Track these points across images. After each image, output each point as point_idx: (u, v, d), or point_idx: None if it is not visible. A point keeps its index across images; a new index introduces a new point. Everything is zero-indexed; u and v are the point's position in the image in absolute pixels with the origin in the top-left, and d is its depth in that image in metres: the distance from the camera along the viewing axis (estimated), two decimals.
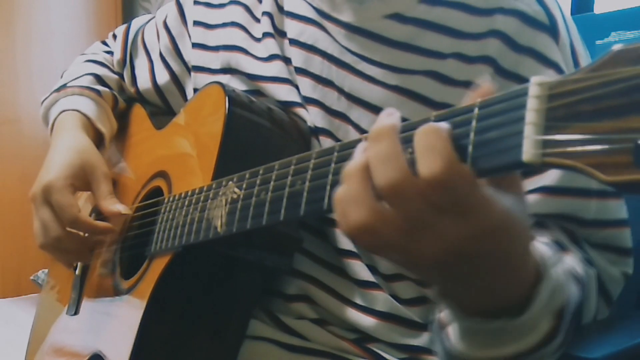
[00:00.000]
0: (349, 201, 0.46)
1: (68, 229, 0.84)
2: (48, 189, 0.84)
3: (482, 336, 0.52)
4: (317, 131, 0.78)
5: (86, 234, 0.86)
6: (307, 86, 0.79)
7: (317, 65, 0.79)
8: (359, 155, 0.46)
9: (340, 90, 0.77)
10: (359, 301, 0.76)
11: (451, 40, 0.73)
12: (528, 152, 0.38)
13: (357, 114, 0.76)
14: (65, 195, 0.84)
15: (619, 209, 0.74)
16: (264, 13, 0.85)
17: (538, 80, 0.39)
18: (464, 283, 0.48)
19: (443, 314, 0.57)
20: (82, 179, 0.87)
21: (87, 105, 0.96)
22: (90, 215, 0.91)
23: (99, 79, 1.02)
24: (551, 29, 0.72)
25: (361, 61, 0.77)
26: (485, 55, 0.72)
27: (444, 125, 0.43)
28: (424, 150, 0.42)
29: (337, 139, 0.77)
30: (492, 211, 0.44)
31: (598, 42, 1.04)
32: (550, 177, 0.70)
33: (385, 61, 0.75)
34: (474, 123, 0.42)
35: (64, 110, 0.96)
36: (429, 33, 0.74)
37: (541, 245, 0.58)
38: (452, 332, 0.55)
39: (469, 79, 0.72)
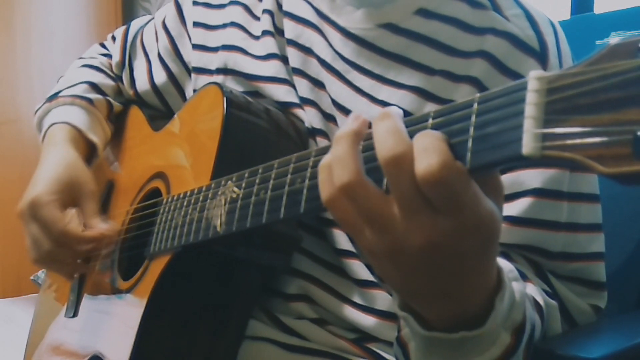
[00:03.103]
0: (334, 162, 0.45)
1: (59, 241, 0.83)
2: (34, 204, 0.83)
3: (443, 350, 0.51)
4: (314, 132, 0.78)
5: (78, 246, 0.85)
6: (304, 87, 0.79)
7: (314, 67, 0.79)
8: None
9: (329, 96, 0.78)
10: (358, 300, 0.75)
11: (441, 55, 0.74)
12: (528, 145, 0.38)
13: (341, 122, 0.77)
14: (52, 210, 0.83)
15: (590, 242, 0.73)
16: (265, 11, 0.85)
17: (537, 75, 0.39)
18: (433, 286, 0.47)
19: (403, 332, 0.57)
20: (69, 195, 0.86)
21: (78, 117, 0.95)
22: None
23: (94, 86, 1.00)
24: (540, 55, 0.72)
25: (352, 70, 0.77)
26: (471, 76, 0.72)
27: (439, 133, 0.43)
28: (421, 150, 0.43)
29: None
30: (480, 209, 0.44)
31: (598, 42, 1.04)
32: (517, 207, 0.69)
33: (376, 71, 0.76)
34: (473, 118, 0.42)
35: (54, 123, 0.94)
36: (421, 46, 0.75)
37: (499, 259, 0.57)
38: (412, 350, 0.54)
39: (452, 98, 0.72)
